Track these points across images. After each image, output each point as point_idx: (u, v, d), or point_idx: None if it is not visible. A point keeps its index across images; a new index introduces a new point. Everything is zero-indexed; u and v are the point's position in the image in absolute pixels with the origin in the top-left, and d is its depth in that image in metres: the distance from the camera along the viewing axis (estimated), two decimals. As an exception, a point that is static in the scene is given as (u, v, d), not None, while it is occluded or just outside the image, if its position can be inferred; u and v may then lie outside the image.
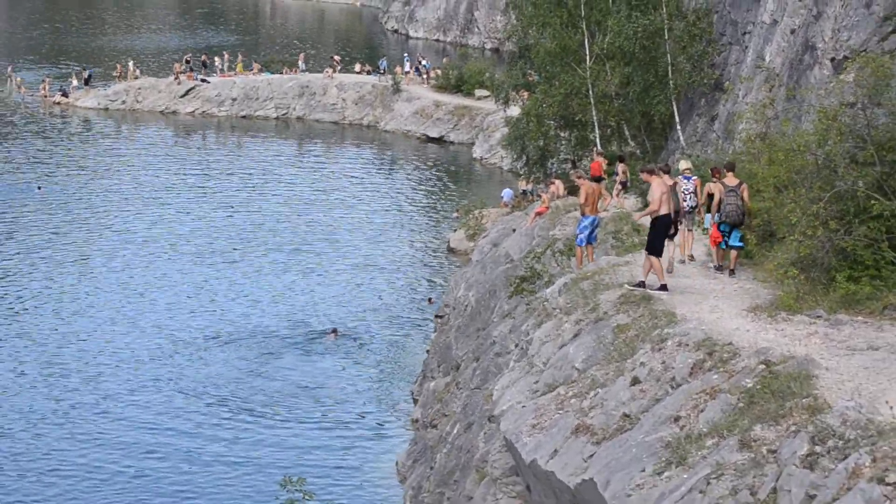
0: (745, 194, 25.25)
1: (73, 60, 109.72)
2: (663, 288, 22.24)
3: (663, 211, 23.10)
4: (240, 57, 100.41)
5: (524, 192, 59.71)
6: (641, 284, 22.54)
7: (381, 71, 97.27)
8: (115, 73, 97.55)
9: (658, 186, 23.20)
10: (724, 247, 25.50)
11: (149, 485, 34.19)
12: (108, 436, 37.08)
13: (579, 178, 29.62)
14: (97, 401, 39.59)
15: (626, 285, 22.70)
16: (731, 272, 25.01)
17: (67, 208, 63.93)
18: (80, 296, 50.25)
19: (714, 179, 25.73)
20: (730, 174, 25.66)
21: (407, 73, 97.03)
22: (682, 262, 26.67)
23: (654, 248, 22.92)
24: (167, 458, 35.83)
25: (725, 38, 43.50)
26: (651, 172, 24.06)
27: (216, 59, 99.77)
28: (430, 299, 50.45)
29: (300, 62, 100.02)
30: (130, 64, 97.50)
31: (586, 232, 27.97)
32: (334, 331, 46.30)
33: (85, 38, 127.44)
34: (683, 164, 28.56)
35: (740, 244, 25.30)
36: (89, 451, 35.98)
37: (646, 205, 34.47)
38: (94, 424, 37.85)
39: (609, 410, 16.73)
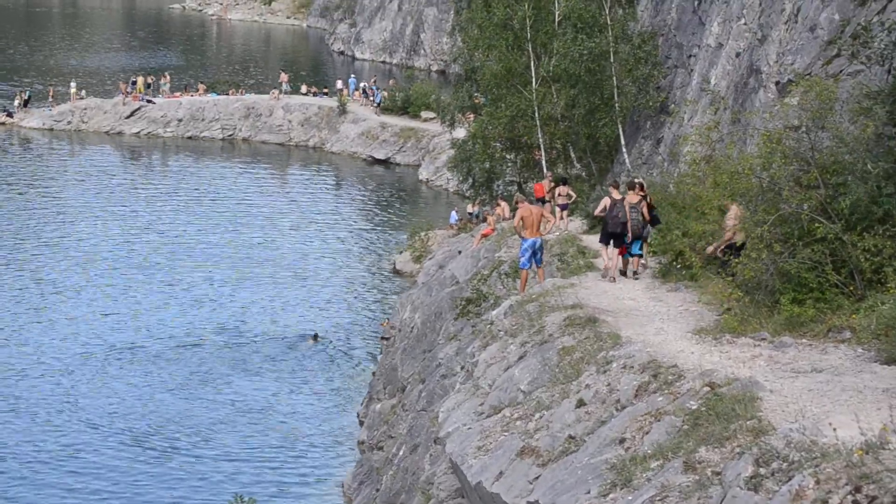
0: (645, 210, 28.16)
1: (20, 80, 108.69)
2: None
3: None
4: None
5: (471, 214, 59.72)
6: None
7: (359, 91, 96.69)
8: (49, 99, 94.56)
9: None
10: (627, 256, 28.17)
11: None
12: (40, 474, 36.34)
13: (518, 202, 30.02)
14: (23, 438, 38.56)
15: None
16: (636, 274, 27.86)
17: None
18: (14, 314, 49.69)
19: None
20: (631, 193, 28.49)
21: (355, 90, 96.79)
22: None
23: None
24: (117, 481, 35.61)
25: (671, 62, 43.66)
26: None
27: (161, 79, 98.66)
28: (385, 321, 49.95)
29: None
30: (73, 85, 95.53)
31: (527, 254, 28.09)
32: (315, 336, 46.63)
33: (33, 57, 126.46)
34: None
35: (640, 252, 28.25)
36: (23, 492, 35.36)
37: (592, 227, 34.91)
38: (26, 464, 36.96)
39: (554, 432, 16.69)
